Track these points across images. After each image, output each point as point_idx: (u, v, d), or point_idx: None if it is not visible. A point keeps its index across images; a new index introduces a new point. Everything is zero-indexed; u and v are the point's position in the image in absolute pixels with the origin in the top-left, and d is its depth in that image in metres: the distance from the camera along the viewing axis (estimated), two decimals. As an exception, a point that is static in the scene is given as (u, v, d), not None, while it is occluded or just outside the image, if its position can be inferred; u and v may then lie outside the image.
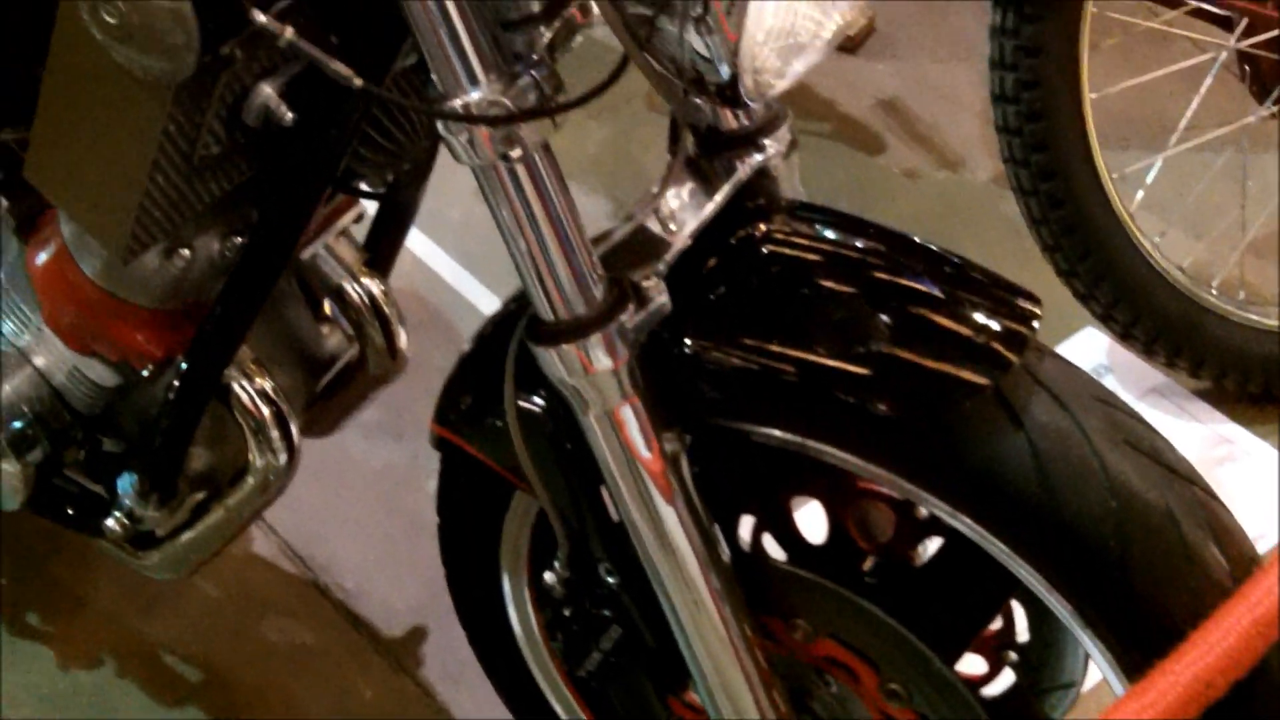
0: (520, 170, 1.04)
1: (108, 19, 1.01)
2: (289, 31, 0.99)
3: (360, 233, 1.63)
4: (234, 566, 2.08)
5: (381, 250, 1.62)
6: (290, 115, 1.12)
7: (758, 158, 1.20)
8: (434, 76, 1.02)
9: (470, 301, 2.44)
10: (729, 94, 1.00)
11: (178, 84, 1.07)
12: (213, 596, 2.05)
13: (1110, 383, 2.22)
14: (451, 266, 2.45)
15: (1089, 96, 2.00)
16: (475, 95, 1.01)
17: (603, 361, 1.10)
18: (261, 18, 0.98)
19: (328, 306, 1.61)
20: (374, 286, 1.59)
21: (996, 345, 1.08)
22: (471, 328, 1.30)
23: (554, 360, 1.11)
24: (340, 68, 1.01)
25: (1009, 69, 1.97)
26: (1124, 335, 2.11)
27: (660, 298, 1.12)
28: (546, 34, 1.05)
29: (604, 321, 1.09)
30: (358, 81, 1.01)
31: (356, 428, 1.82)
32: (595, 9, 1.13)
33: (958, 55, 2.92)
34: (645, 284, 1.12)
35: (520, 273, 1.10)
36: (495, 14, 1.02)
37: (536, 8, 1.11)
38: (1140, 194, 2.13)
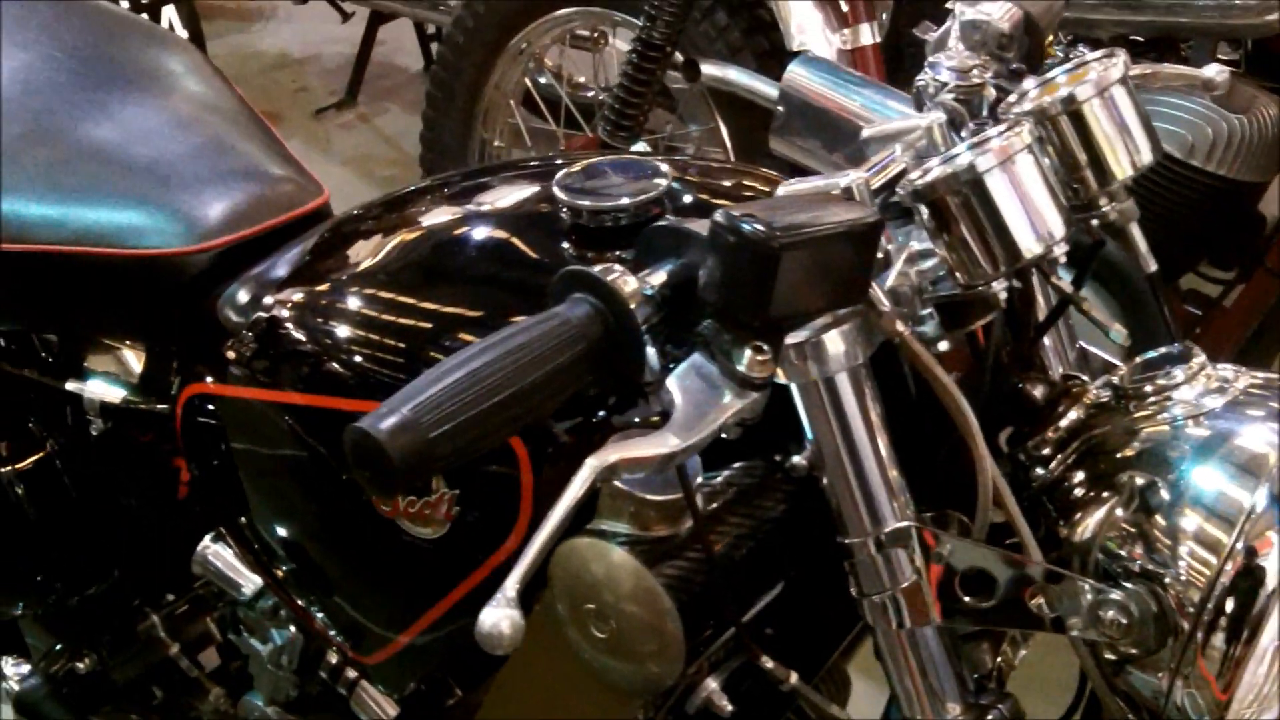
0: None
1: (597, 634, 1.04)
2: (793, 677, 1.03)
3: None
4: None
5: None
6: (730, 708, 1.13)
7: None
8: (901, 704, 1.05)
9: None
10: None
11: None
12: None
13: None
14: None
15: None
16: None
17: None
18: (769, 663, 1.02)
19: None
20: None
21: None
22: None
23: None
24: (820, 700, 1.05)
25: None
26: None
27: None
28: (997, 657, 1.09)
29: None
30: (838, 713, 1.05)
31: None
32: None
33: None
34: None
35: None
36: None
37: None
38: None
